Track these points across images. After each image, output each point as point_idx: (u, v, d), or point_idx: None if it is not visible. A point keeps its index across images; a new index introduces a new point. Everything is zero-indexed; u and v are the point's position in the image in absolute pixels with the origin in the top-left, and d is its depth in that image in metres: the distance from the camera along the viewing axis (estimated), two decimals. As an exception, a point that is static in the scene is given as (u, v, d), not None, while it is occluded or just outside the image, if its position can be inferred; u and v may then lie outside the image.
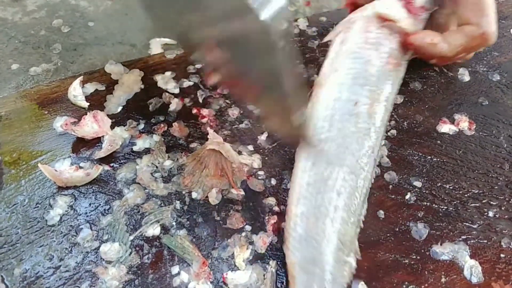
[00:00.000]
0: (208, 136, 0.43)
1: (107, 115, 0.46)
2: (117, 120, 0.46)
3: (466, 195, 0.42)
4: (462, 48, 0.44)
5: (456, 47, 0.44)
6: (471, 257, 0.38)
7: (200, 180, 0.41)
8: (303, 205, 0.38)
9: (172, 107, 0.47)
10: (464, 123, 0.47)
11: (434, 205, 0.41)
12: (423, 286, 0.37)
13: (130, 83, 0.49)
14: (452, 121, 0.47)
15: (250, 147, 0.45)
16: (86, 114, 0.45)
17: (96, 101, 0.48)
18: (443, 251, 0.39)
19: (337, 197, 0.38)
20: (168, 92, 0.49)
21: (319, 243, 0.36)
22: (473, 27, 0.43)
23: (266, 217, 0.40)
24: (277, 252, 0.38)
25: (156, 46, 0.61)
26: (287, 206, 0.39)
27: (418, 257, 0.38)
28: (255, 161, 0.43)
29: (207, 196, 0.41)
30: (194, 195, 0.41)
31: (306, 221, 0.37)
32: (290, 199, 0.39)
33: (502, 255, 0.38)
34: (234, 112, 0.47)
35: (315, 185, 0.38)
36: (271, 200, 0.41)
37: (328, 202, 0.38)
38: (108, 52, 0.61)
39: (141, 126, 0.46)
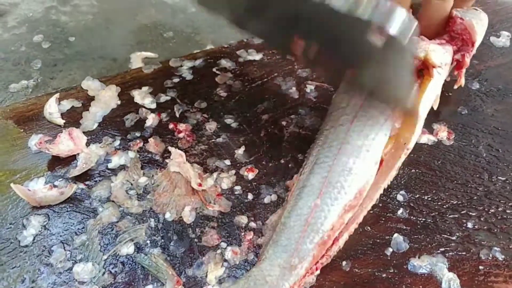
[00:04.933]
0: (171, 157, 0.43)
1: (83, 132, 0.45)
2: (93, 137, 0.46)
3: (444, 206, 0.42)
4: None
5: None
6: (450, 269, 0.38)
7: (172, 201, 0.41)
8: None
9: (149, 122, 0.47)
10: (443, 132, 0.47)
11: (412, 217, 0.41)
12: (400, 301, 0.36)
13: (106, 99, 0.48)
14: (431, 131, 0.47)
15: (227, 162, 0.44)
16: (62, 132, 0.44)
17: (72, 118, 0.47)
18: (421, 264, 0.38)
19: None
20: (145, 107, 0.48)
21: None
22: None
23: (243, 233, 0.39)
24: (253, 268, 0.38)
25: (136, 60, 0.61)
26: None
27: (396, 271, 0.38)
28: (224, 181, 0.42)
29: (181, 215, 0.40)
30: (167, 215, 0.40)
31: None
32: None
33: (480, 267, 0.38)
34: (211, 127, 0.47)
35: None
36: (248, 216, 0.41)
37: None
38: (89, 67, 0.61)
39: (117, 142, 0.45)
